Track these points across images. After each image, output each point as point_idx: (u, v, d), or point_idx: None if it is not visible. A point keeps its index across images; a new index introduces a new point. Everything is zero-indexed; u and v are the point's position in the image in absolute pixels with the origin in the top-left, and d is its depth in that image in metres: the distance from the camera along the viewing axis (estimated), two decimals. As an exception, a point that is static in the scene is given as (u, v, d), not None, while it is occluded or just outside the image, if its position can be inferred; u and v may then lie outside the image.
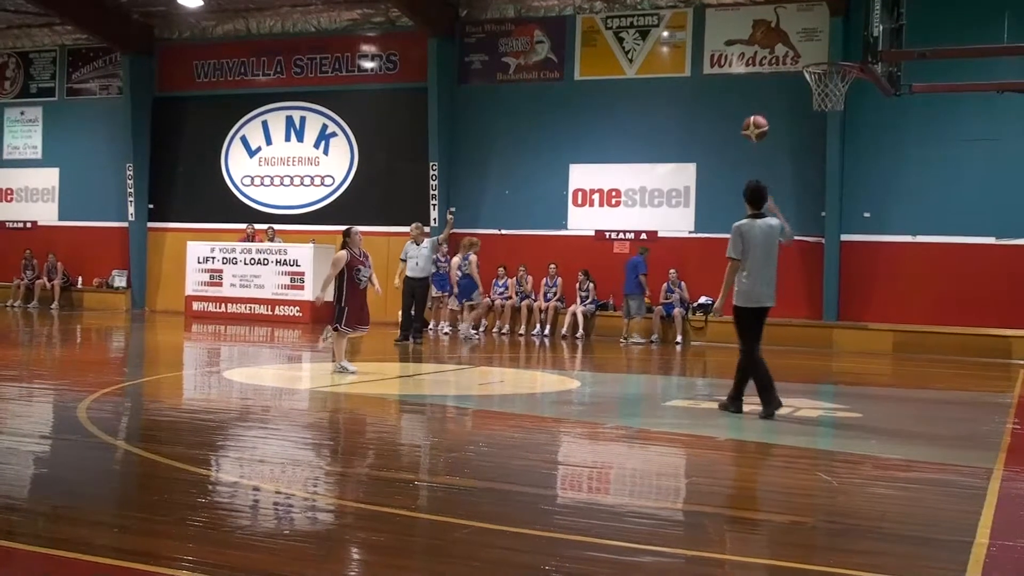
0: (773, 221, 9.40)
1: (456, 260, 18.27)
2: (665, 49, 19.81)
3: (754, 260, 9.22)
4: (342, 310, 11.82)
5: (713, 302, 12.87)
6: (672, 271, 18.75)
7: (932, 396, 12.30)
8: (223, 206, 23.32)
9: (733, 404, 9.47)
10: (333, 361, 12.08)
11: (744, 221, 9.37)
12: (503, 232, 20.69)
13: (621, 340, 18.39)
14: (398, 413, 10.09)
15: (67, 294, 24.15)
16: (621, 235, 19.95)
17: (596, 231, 20.15)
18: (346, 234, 12.12)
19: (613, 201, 20.08)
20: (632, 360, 15.91)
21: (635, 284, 18.26)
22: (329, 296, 12.06)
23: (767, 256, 9.29)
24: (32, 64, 25.32)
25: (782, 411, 9.79)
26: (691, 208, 19.40)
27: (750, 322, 9.32)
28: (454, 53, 21.14)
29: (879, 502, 6.19)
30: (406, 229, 17.87)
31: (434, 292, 18.57)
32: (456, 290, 18.41)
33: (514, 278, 19.99)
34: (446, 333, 18.97)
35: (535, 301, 19.67)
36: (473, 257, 18.11)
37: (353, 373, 11.72)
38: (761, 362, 9.29)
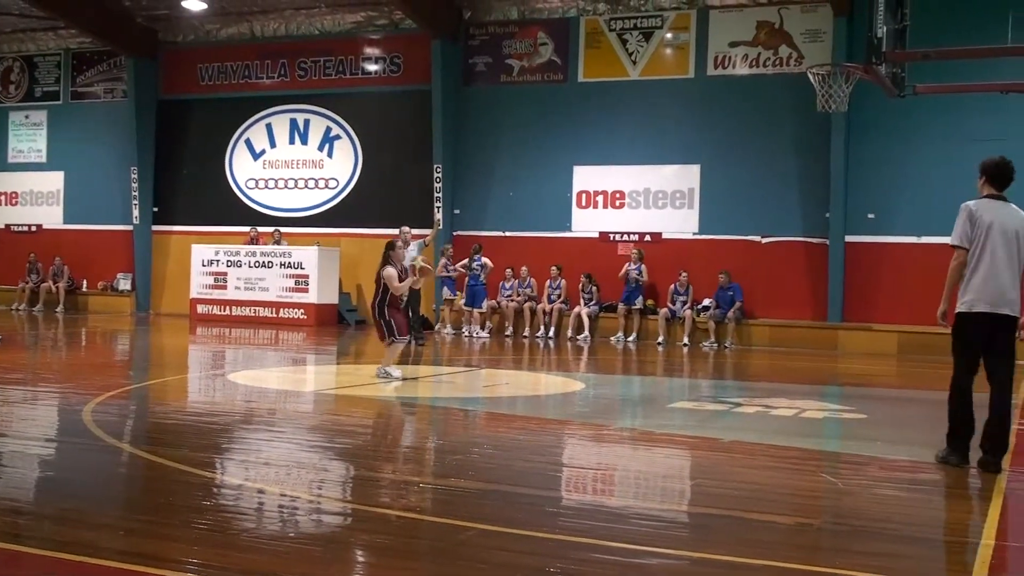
0: (1021, 212, 7.17)
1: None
2: (669, 51, 19.80)
3: (986, 252, 7.01)
4: (389, 323, 11.69)
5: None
6: (683, 273, 18.64)
7: (938, 397, 12.17)
8: (227, 209, 23.34)
9: (954, 455, 7.16)
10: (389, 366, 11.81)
11: (979, 201, 7.15)
12: (507, 234, 20.69)
13: (726, 345, 18.26)
14: (402, 415, 10.09)
15: (72, 297, 24.17)
16: (625, 237, 19.93)
17: (600, 233, 20.14)
18: (392, 247, 11.83)
19: (617, 203, 20.06)
20: (638, 362, 15.91)
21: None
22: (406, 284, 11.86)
23: (1006, 250, 7.01)
24: (37, 68, 25.37)
25: (787, 412, 9.79)
26: (695, 209, 19.31)
27: (972, 334, 7.06)
28: (458, 55, 21.14)
29: (885, 503, 6.18)
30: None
31: (447, 294, 19.72)
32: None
33: (517, 280, 20.00)
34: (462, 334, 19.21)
35: (539, 303, 19.66)
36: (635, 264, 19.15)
37: (398, 380, 11.58)
38: (967, 396, 7.09)
